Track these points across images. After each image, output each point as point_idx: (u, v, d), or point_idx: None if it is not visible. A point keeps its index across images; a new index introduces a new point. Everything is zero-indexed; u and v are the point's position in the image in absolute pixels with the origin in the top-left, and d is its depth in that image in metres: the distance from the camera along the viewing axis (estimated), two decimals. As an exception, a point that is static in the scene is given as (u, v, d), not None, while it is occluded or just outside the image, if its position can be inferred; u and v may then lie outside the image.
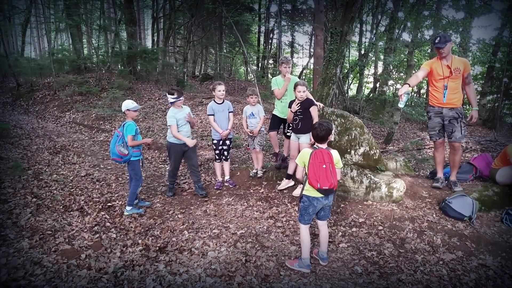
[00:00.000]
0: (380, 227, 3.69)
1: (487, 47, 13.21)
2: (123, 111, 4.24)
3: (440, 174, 4.60)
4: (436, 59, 4.30)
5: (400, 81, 12.90)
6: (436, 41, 4.11)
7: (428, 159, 6.60)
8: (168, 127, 4.51)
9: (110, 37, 16.42)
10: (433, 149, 5.66)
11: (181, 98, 4.48)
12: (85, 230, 3.76)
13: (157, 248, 3.46)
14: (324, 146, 2.99)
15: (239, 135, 8.19)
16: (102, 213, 4.27)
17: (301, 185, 4.51)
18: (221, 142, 4.94)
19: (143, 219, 4.18)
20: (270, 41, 21.51)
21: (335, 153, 2.99)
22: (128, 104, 4.21)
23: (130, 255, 3.32)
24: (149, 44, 20.46)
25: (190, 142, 4.49)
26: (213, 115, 4.81)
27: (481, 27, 21.24)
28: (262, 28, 20.96)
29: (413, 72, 10.63)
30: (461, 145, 4.36)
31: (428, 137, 4.60)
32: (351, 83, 16.96)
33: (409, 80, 4.32)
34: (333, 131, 4.49)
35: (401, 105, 4.28)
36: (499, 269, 3.11)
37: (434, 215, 3.92)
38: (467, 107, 10.91)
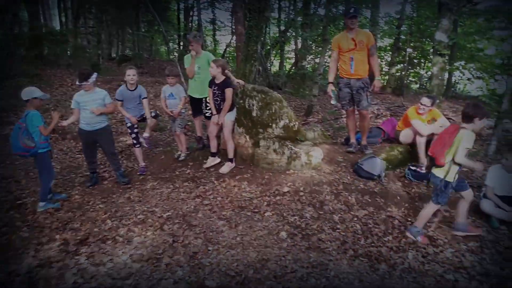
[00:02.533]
0: (302, 193, 3.92)
1: (393, 21, 14.48)
2: (26, 99, 3.70)
3: (352, 140, 5.02)
4: (343, 33, 4.59)
5: (318, 55, 13.48)
6: (351, 11, 4.38)
7: (344, 127, 7.12)
8: None
9: (8, 19, 14.11)
10: (346, 117, 6.12)
11: (83, 83, 4.08)
12: (-12, 234, 3.32)
13: (78, 241, 3.24)
14: (465, 124, 2.99)
15: (162, 117, 7.85)
16: (11, 212, 3.84)
17: (229, 162, 4.56)
18: (135, 125, 4.67)
19: (60, 213, 3.84)
20: (190, 18, 20.68)
21: (462, 131, 2.95)
22: (35, 92, 3.73)
23: (46, 253, 3.07)
24: (57, 25, 18.13)
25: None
26: (122, 100, 4.53)
27: (387, 2, 22.94)
28: (182, 6, 20.00)
29: (329, 47, 11.22)
30: (368, 112, 4.80)
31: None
32: (274, 59, 17.28)
33: (329, 77, 4.75)
34: (254, 106, 4.59)
35: (333, 102, 4.79)
36: (403, 218, 3.59)
37: (348, 177, 4.29)
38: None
